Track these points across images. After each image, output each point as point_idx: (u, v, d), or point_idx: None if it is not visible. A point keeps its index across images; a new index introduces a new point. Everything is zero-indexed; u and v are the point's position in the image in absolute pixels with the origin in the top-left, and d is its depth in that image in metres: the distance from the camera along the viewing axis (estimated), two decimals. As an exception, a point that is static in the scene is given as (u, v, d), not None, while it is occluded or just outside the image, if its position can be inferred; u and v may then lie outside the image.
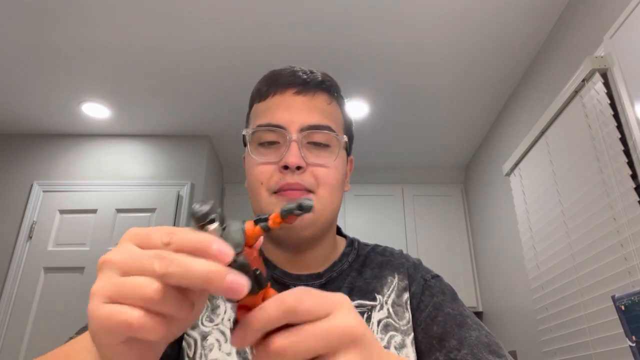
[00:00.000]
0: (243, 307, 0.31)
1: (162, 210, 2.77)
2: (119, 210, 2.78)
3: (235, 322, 0.32)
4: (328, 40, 2.19)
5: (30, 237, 2.69)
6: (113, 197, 2.81)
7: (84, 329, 0.61)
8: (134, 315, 0.28)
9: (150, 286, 0.28)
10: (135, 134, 3.01)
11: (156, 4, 1.97)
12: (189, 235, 0.29)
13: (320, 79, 0.69)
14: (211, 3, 1.97)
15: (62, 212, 2.77)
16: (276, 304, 0.30)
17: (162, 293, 0.28)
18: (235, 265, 0.29)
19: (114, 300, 0.28)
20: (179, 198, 2.82)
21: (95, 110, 2.74)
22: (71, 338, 0.60)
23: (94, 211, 2.77)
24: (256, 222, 0.33)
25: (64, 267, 2.64)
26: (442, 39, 2.18)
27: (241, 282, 0.28)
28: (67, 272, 2.63)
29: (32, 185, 2.81)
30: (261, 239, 0.33)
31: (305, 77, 0.68)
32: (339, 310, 0.31)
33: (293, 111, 0.65)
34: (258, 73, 0.72)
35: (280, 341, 0.29)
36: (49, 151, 2.94)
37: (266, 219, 0.33)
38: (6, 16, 2.02)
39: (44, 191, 2.81)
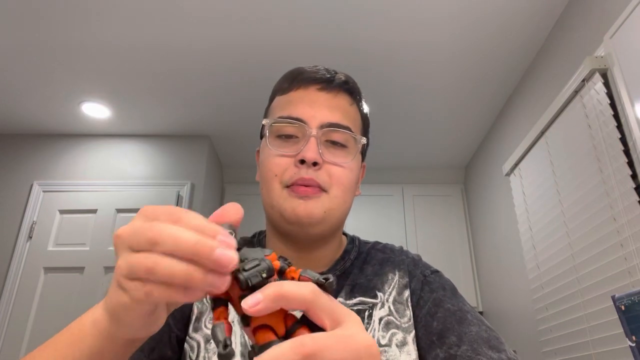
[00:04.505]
0: (260, 328, 0.30)
1: (162, 210, 2.77)
2: (119, 210, 2.78)
3: (252, 347, 0.30)
4: (328, 39, 2.19)
5: (30, 237, 2.69)
6: (113, 197, 2.81)
7: None
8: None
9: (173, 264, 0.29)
10: (135, 134, 3.01)
11: (156, 3, 1.97)
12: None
13: (344, 79, 0.70)
14: (211, 2, 1.97)
15: (62, 212, 2.77)
16: (293, 348, 0.27)
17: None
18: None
19: (136, 278, 0.30)
20: (179, 198, 2.82)
21: (95, 110, 2.74)
22: None
23: (94, 211, 2.77)
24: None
25: (64, 267, 2.64)
26: (442, 38, 2.18)
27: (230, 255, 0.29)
28: (67, 272, 2.63)
29: (32, 185, 2.81)
30: None
31: (329, 75, 0.69)
32: None
33: (315, 107, 0.65)
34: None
35: None
36: (49, 151, 2.94)
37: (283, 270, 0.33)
38: (6, 16, 2.02)
39: (44, 191, 2.81)
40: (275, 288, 0.29)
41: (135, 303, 0.31)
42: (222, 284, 0.29)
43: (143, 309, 0.32)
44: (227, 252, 0.29)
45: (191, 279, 0.29)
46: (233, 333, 0.61)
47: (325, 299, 0.30)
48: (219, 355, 0.28)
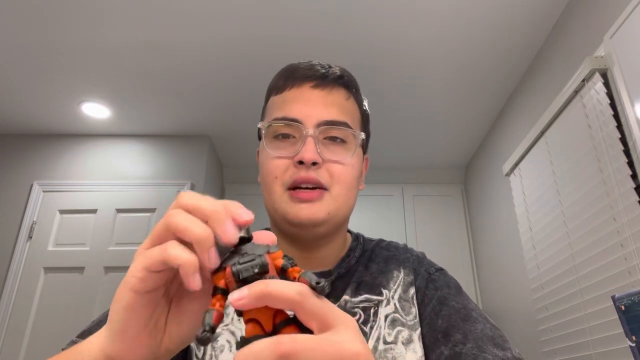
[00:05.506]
0: (249, 321, 0.30)
1: (162, 210, 2.77)
2: (119, 210, 2.78)
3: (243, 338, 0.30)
4: (327, 35, 2.19)
5: (30, 237, 2.69)
6: (113, 197, 2.81)
7: (84, 332, 0.60)
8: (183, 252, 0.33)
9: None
10: (135, 134, 3.01)
11: (156, 3, 1.97)
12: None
13: (338, 73, 0.68)
14: (211, 1, 1.97)
15: (62, 212, 2.77)
16: (270, 346, 0.27)
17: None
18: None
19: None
20: (179, 198, 2.81)
21: (95, 110, 2.74)
22: (73, 342, 0.59)
23: (94, 211, 2.77)
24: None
25: (64, 267, 2.64)
26: (442, 37, 2.18)
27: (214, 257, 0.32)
28: (67, 272, 2.63)
29: (32, 185, 2.81)
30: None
31: (323, 71, 0.67)
32: None
33: (310, 105, 0.64)
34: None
35: None
36: (49, 151, 2.94)
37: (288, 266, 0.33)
38: (6, 16, 2.02)
39: (44, 191, 2.81)
40: (262, 286, 0.29)
41: (147, 272, 0.33)
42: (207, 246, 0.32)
43: (150, 283, 0.34)
44: (242, 210, 0.34)
45: (190, 228, 0.32)
46: (239, 330, 0.61)
47: (315, 301, 0.29)
48: (195, 338, 0.29)
